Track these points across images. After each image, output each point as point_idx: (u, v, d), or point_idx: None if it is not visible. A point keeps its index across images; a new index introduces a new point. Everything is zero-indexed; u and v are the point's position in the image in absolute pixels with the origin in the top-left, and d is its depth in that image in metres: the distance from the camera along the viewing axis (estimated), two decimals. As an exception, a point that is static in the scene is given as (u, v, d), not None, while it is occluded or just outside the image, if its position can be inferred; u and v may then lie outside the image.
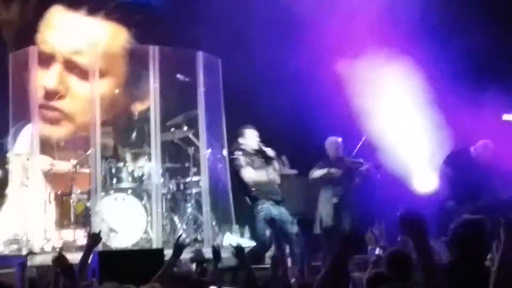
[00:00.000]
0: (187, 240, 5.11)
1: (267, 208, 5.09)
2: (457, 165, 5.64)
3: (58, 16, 6.79)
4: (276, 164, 5.45)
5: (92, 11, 6.58)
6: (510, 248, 2.28)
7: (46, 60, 6.31)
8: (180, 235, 4.85)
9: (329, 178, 5.95)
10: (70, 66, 6.39)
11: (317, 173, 6.01)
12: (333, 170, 5.88)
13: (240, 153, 5.36)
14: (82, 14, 6.62)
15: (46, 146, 6.17)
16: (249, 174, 5.27)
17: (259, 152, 5.35)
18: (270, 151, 5.38)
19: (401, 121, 6.27)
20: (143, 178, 5.93)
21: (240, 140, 5.42)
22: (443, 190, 5.68)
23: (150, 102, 5.92)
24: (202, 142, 6.14)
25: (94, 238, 3.33)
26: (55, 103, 6.67)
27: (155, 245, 5.58)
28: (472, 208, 5.34)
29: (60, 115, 6.77)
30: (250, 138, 5.38)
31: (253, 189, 5.27)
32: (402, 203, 6.08)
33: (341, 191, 5.97)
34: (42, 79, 6.45)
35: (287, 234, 5.07)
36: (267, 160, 5.38)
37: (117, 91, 6.66)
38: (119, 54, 6.44)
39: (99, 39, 6.32)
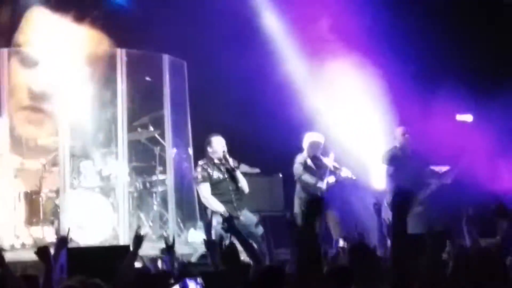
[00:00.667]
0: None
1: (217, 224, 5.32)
2: (392, 162, 5.96)
3: (41, 18, 6.96)
4: (238, 173, 5.65)
5: (77, 17, 6.79)
6: None
7: (29, 61, 6.49)
8: (138, 227, 5.06)
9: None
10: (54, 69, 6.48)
11: (306, 177, 6.10)
12: (320, 184, 6.02)
13: (199, 169, 5.59)
14: (67, 20, 6.82)
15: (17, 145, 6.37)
16: (204, 190, 5.51)
17: (225, 160, 5.60)
18: (231, 162, 5.59)
19: (358, 121, 6.62)
20: (111, 176, 6.14)
21: (208, 149, 5.63)
22: (388, 187, 5.98)
23: (118, 103, 6.12)
24: (168, 141, 6.38)
25: (62, 240, 3.58)
26: (40, 105, 6.80)
27: (122, 241, 5.75)
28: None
29: (45, 117, 6.90)
30: (216, 147, 5.59)
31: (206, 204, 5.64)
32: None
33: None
34: (27, 81, 6.65)
35: (253, 237, 5.26)
36: (231, 169, 5.62)
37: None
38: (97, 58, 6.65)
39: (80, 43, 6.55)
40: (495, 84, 6.85)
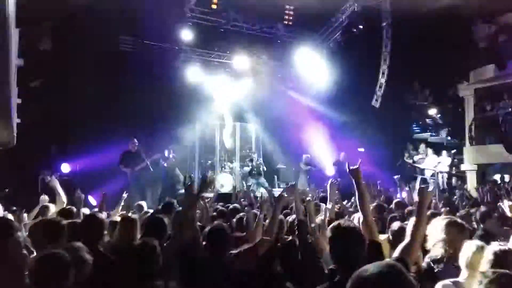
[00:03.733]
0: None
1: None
2: (337, 164, 14.82)
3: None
4: None
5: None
6: None
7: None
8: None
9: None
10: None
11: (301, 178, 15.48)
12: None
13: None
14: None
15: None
16: None
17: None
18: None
19: (323, 146, 16.10)
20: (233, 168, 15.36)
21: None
22: (335, 174, 15.20)
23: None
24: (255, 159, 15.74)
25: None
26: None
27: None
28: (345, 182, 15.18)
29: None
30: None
31: None
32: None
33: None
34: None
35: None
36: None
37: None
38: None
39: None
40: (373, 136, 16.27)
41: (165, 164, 12.89)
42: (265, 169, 14.44)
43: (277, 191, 11.47)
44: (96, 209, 6.83)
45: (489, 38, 13.99)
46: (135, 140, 11.88)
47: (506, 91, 14.48)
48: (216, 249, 3.44)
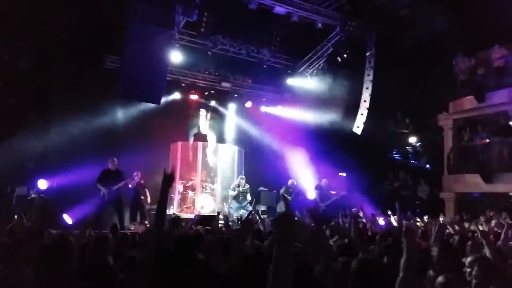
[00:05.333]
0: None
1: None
2: (318, 189, 14.81)
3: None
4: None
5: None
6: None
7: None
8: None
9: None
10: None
11: (281, 204, 14.98)
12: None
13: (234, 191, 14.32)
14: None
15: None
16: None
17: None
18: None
19: (304, 171, 16.01)
20: (214, 190, 15.12)
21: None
22: (316, 198, 15.14)
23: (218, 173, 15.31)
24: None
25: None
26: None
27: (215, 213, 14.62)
28: (326, 205, 15.01)
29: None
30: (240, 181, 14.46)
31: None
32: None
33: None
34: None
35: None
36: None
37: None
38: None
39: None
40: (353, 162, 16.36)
41: (130, 186, 12.59)
42: (248, 197, 14.08)
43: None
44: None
45: (468, 71, 14.18)
46: (115, 159, 11.61)
47: (484, 122, 14.64)
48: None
